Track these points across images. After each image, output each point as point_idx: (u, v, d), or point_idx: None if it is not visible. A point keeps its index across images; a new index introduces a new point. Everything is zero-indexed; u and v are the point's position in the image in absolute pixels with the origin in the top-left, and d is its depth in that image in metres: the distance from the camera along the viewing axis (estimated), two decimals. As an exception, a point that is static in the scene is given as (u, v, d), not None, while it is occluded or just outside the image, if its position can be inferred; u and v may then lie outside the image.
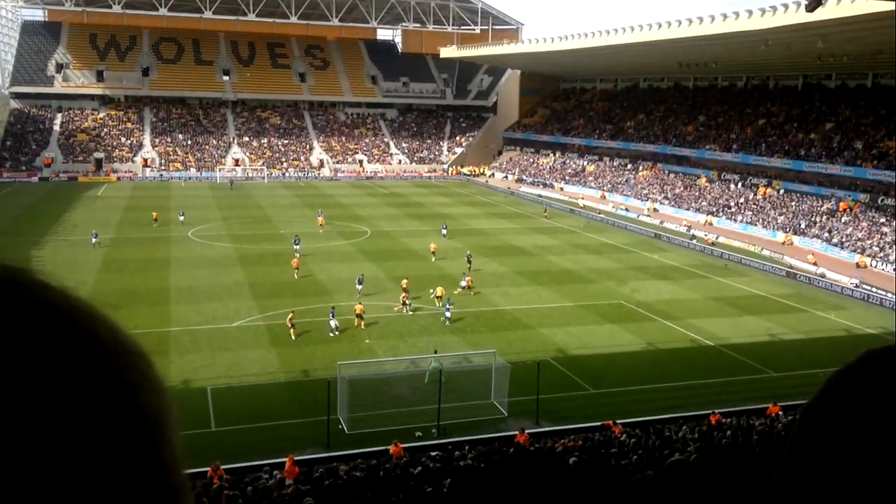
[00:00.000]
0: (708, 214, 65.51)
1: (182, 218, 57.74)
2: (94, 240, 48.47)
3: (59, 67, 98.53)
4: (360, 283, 37.70)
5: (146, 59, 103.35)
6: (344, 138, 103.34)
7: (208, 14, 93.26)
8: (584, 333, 33.82)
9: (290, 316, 32.00)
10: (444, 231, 55.57)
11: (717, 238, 57.37)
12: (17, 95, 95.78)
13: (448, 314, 34.04)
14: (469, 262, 44.55)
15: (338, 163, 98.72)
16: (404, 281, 37.52)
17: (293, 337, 31.30)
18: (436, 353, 27.97)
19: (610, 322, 35.59)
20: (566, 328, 34.43)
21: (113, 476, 0.67)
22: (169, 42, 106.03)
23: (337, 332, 31.96)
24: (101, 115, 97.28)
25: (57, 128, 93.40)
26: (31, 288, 0.72)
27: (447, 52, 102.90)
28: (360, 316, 32.86)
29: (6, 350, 0.66)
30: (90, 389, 0.69)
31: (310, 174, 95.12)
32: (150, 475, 0.71)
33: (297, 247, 46.82)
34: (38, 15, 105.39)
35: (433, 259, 46.45)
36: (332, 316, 32.35)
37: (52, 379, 0.67)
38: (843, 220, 56.20)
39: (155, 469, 0.72)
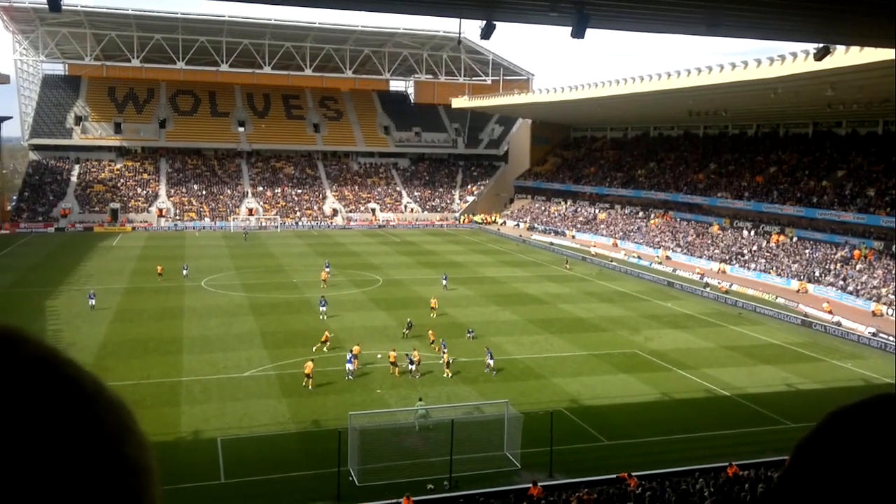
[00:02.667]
0: (721, 262, 65.22)
1: (186, 272, 56.29)
2: (91, 301, 44.75)
3: (78, 120, 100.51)
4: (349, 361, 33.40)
5: (163, 112, 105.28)
6: (357, 187, 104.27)
7: (225, 67, 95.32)
8: (597, 383, 33.47)
9: (309, 366, 31.70)
10: (445, 282, 54.41)
11: (730, 286, 57.03)
12: (36, 147, 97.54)
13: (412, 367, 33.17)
14: (409, 327, 40.17)
15: (350, 211, 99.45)
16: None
17: (309, 387, 31.09)
18: (420, 400, 27.89)
19: (624, 371, 35.24)
20: (579, 378, 34.10)
21: None
22: (186, 94, 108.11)
23: (351, 378, 32.48)
24: (118, 166, 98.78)
25: (74, 179, 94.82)
26: (17, 343, 0.77)
27: (459, 102, 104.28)
28: (394, 363, 33.37)
29: None
30: (73, 438, 0.72)
31: (323, 223, 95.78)
32: None
33: (324, 308, 43.66)
34: (58, 69, 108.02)
35: (434, 315, 44.52)
36: (350, 360, 32.86)
37: (35, 426, 0.70)
38: (857, 267, 55.79)
39: None
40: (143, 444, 0.80)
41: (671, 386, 33.38)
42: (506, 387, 32.04)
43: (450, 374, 33.47)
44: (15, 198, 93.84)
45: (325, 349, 36.51)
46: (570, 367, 35.77)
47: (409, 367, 33.19)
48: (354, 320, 43.38)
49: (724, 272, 63.02)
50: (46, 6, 26.93)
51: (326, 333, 37.90)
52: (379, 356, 35.94)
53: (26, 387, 0.73)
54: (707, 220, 74.35)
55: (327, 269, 57.21)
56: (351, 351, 33.66)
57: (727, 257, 65.92)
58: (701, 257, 67.88)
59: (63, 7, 27.02)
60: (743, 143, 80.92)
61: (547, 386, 32.82)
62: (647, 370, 35.61)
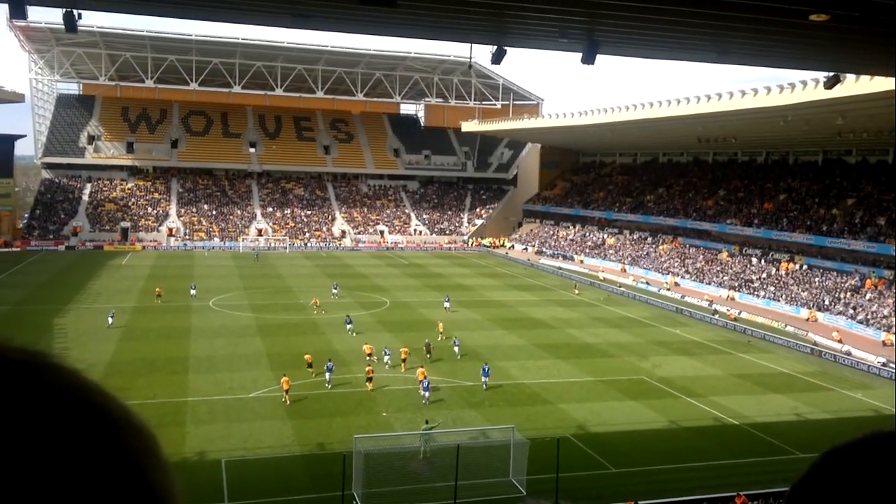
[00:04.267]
0: (730, 289, 64.93)
1: (194, 292, 56.25)
2: (110, 320, 45.41)
3: (91, 139, 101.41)
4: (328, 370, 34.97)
5: (175, 132, 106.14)
6: (366, 209, 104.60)
7: (237, 89, 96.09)
8: (604, 410, 33.23)
9: (286, 381, 32.51)
10: (447, 304, 54.60)
11: (739, 313, 56.72)
12: (48, 166, 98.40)
13: (426, 393, 32.81)
14: (428, 350, 40.19)
15: (359, 233, 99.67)
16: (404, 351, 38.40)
17: (287, 402, 31.89)
18: (427, 422, 27.83)
19: (631, 398, 34.98)
20: (586, 404, 33.87)
21: None
22: (198, 115, 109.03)
23: (329, 386, 34.19)
24: (130, 185, 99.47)
25: (86, 197, 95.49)
26: (44, 369, 0.76)
27: (469, 126, 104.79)
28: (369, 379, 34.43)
29: (21, 428, 0.69)
30: (100, 466, 0.72)
31: (331, 244, 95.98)
32: None
33: (350, 325, 45.37)
34: (73, 89, 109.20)
35: (442, 338, 44.37)
36: (330, 370, 34.61)
37: (63, 455, 0.70)
38: (867, 296, 55.42)
39: None
40: (168, 470, 0.80)
41: (679, 413, 33.11)
42: (512, 412, 31.85)
43: (370, 388, 33.89)
44: (27, 216, 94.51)
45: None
46: (576, 392, 35.54)
47: (423, 392, 32.98)
48: (361, 342, 43.22)
49: (733, 299, 62.72)
50: (63, 26, 27.28)
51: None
52: (370, 356, 36.47)
53: (52, 415, 0.72)
54: (716, 247, 74.14)
55: (335, 291, 57.81)
56: (329, 360, 35.67)
57: (736, 284, 65.63)
58: (710, 284, 67.62)
59: (79, 28, 27.37)
60: (752, 170, 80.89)
61: (553, 412, 32.60)
62: (655, 397, 35.34)
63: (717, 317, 55.95)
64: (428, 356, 39.68)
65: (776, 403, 35.31)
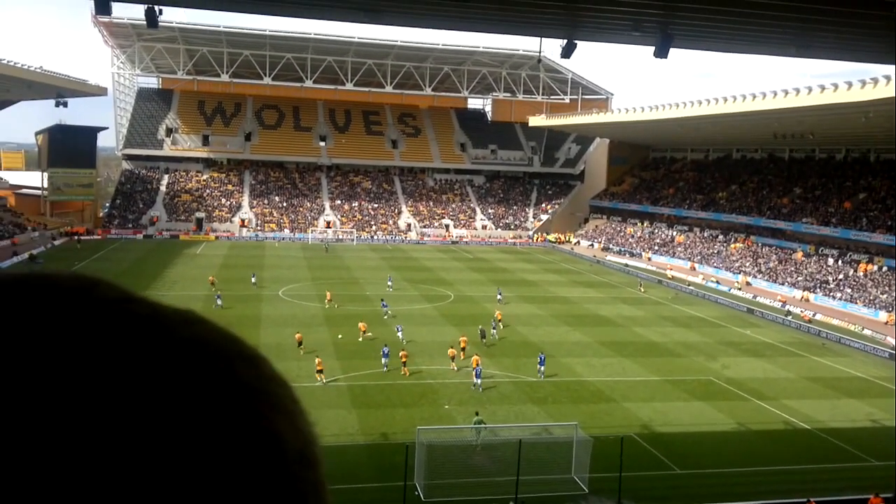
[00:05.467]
0: (804, 290, 62.96)
1: (254, 280, 57.89)
2: (218, 301, 48.86)
3: (169, 132, 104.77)
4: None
5: (249, 125, 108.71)
6: (431, 203, 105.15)
7: (309, 83, 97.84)
8: (670, 409, 32.74)
9: (319, 361, 34.51)
10: (500, 297, 55.38)
11: (814, 315, 54.98)
12: (128, 157, 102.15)
13: (478, 381, 33.79)
14: (483, 336, 42.03)
15: (424, 227, 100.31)
16: (463, 339, 39.28)
17: (323, 381, 33.49)
18: (477, 414, 28.15)
19: (698, 399, 34.36)
20: (651, 403, 33.42)
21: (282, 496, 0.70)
22: (271, 109, 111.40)
23: (385, 370, 35.59)
24: (205, 176, 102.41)
25: (163, 188, 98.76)
26: (193, 323, 0.76)
27: (536, 120, 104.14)
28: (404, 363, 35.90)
29: (165, 391, 0.67)
30: (254, 417, 0.71)
31: (397, 237, 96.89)
32: (315, 493, 0.75)
33: (386, 308, 48.93)
34: (152, 83, 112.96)
35: (501, 326, 45.56)
36: (386, 355, 36.00)
37: (208, 412, 0.68)
38: (953, 300, 53.03)
39: (318, 489, 0.76)
40: (307, 416, 0.80)
41: (748, 416, 32.36)
42: (575, 409, 31.70)
43: (405, 371, 35.40)
44: (108, 205, 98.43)
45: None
46: (642, 391, 35.10)
47: (475, 380, 33.55)
48: (424, 334, 43.63)
49: (807, 300, 60.82)
50: (144, 22, 28.32)
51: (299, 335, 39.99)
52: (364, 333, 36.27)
53: (188, 376, 0.70)
54: (790, 246, 71.95)
55: (389, 283, 59.40)
56: (385, 345, 37.38)
57: (811, 285, 63.60)
58: (783, 284, 65.71)
59: (159, 23, 28.36)
60: (830, 167, 78.13)
61: (617, 410, 32.29)
62: (723, 399, 34.63)
63: (789, 318, 54.37)
64: (483, 340, 41.17)
65: (851, 409, 34.17)
